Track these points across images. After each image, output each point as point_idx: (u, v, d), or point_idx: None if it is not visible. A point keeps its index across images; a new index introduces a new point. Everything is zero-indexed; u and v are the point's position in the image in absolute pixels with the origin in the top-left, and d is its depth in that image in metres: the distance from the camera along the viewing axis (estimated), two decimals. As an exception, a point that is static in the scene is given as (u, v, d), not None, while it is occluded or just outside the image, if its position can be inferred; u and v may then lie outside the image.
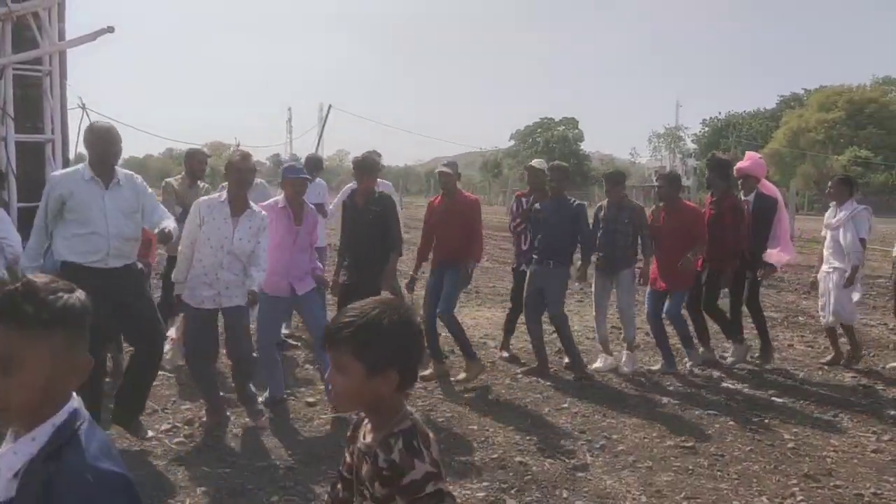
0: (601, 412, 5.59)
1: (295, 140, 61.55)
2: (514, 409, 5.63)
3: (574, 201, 6.64)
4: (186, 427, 5.04)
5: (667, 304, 6.76)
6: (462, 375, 6.28)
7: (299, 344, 7.25)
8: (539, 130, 71.68)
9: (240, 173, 4.92)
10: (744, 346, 7.02)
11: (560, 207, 6.54)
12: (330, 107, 25.27)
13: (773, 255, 7.04)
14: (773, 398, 6.07)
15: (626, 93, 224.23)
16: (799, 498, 4.19)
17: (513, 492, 4.15)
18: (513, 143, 74.95)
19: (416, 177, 79.16)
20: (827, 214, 7.13)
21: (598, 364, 6.79)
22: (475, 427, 5.20)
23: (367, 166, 5.96)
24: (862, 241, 6.79)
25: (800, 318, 9.00)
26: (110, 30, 5.24)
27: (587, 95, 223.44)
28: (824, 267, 7.04)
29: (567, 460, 4.63)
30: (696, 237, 6.57)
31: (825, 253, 7.07)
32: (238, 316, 5.03)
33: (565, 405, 5.74)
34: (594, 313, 6.97)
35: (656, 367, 6.80)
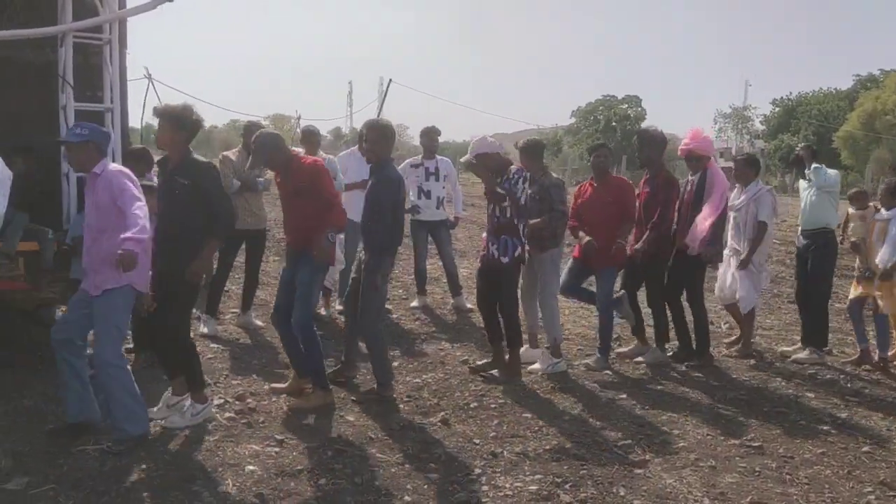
0: (661, 406, 5.35)
1: (355, 113, 62.00)
2: (569, 398, 5.43)
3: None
4: (237, 402, 5.01)
5: (596, 287, 6.33)
6: (304, 399, 5.11)
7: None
8: (601, 108, 70.37)
9: None
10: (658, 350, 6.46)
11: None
12: (390, 81, 25.25)
13: None
14: (847, 397, 5.74)
15: (693, 71, 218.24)
16: (875, 508, 3.92)
17: (567, 487, 3.98)
18: (574, 120, 73.82)
19: (475, 153, 78.69)
20: (731, 196, 6.69)
21: (535, 365, 5.99)
22: (529, 415, 5.03)
23: (183, 120, 4.53)
24: (762, 223, 6.49)
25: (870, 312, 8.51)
26: (170, -1, 5.17)
27: (651, 73, 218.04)
28: (725, 250, 6.72)
29: (625, 455, 4.43)
30: (625, 213, 6.17)
31: (728, 235, 6.72)
32: None
33: (623, 397, 5.52)
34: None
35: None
